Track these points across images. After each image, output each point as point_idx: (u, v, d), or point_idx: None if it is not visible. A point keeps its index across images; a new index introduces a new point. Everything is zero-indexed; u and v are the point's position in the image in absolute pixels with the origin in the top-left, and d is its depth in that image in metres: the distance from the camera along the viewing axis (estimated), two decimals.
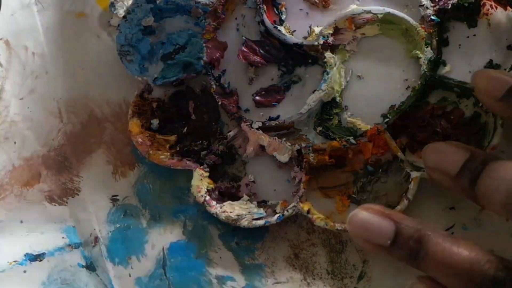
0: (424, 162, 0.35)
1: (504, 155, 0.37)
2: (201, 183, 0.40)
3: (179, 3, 0.46)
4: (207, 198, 0.39)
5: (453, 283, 0.31)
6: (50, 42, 0.48)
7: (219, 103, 0.42)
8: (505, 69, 0.38)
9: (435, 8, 0.40)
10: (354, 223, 0.34)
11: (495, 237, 0.36)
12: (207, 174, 0.40)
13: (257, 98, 0.42)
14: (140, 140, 0.42)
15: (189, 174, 0.40)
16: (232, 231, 0.40)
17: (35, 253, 0.41)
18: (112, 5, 0.47)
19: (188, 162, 0.41)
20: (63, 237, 0.42)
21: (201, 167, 0.40)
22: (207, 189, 0.40)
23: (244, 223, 0.38)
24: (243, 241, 0.39)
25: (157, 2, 0.46)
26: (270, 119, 0.41)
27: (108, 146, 0.44)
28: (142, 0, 0.46)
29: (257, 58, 0.42)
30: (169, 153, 0.42)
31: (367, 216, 0.33)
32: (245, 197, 0.40)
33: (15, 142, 0.45)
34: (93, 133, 0.44)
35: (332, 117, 0.41)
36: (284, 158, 0.40)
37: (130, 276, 0.39)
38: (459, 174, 0.33)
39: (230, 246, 0.39)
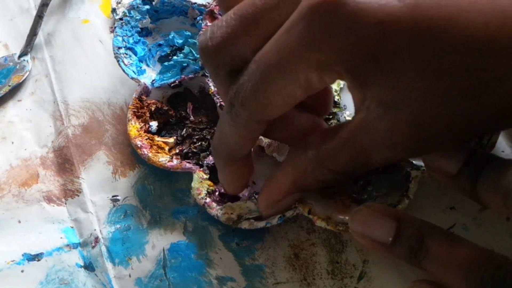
0: (423, 161, 0.35)
1: (504, 155, 0.38)
2: (201, 185, 0.40)
3: (175, 4, 0.46)
4: (208, 200, 0.39)
5: (453, 281, 0.31)
6: (52, 47, 0.48)
7: (218, 104, 0.42)
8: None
9: None
10: (356, 221, 0.34)
11: (495, 237, 0.36)
12: (207, 176, 0.40)
13: None
14: (139, 143, 0.42)
15: (189, 176, 0.40)
16: (232, 232, 0.39)
17: (33, 253, 0.41)
18: (114, 10, 0.47)
19: (188, 164, 0.41)
20: (61, 237, 0.41)
21: (201, 169, 0.40)
22: (207, 191, 0.40)
23: (245, 225, 0.38)
24: (243, 241, 0.39)
25: (154, 3, 0.46)
26: None
27: (109, 147, 0.44)
28: (138, 1, 0.46)
29: None
30: (168, 156, 0.41)
31: (369, 213, 0.34)
32: (244, 197, 0.40)
33: (12, 142, 0.45)
34: (94, 135, 0.44)
35: (331, 117, 0.41)
36: (284, 158, 0.40)
37: (130, 276, 0.39)
38: (458, 173, 0.33)
39: (230, 246, 0.39)
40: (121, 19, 0.46)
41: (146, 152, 0.41)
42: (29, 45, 0.48)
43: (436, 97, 0.28)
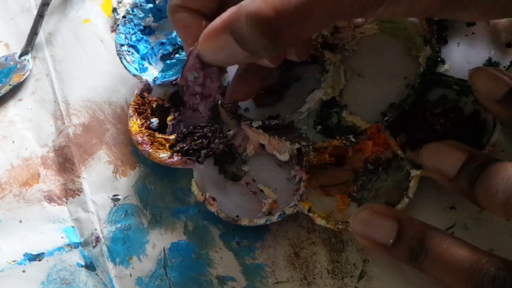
0: (422, 162, 0.35)
1: (504, 154, 0.37)
2: None
3: None
4: (208, 196, 0.39)
5: (454, 283, 0.31)
6: (53, 46, 0.48)
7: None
8: (504, 67, 0.38)
9: None
10: (358, 221, 0.34)
11: (495, 237, 0.36)
12: None
13: (257, 97, 0.42)
14: (140, 139, 0.42)
15: (189, 175, 0.40)
16: (232, 231, 0.40)
17: (34, 253, 0.41)
18: (115, 10, 0.47)
19: (188, 160, 0.41)
20: (62, 237, 0.41)
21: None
22: None
23: (245, 221, 0.38)
24: (243, 240, 0.39)
25: (157, 2, 0.46)
26: (270, 118, 0.41)
27: (109, 146, 0.44)
28: (142, 0, 0.46)
29: None
30: (169, 152, 0.41)
31: (371, 214, 0.33)
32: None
33: (13, 142, 0.45)
34: (94, 134, 0.44)
35: (332, 116, 0.41)
36: (284, 156, 0.40)
37: (131, 276, 0.39)
38: (457, 175, 0.33)
39: (230, 246, 0.39)
40: (124, 17, 0.46)
41: (147, 148, 0.41)
42: (30, 44, 0.48)
43: None
